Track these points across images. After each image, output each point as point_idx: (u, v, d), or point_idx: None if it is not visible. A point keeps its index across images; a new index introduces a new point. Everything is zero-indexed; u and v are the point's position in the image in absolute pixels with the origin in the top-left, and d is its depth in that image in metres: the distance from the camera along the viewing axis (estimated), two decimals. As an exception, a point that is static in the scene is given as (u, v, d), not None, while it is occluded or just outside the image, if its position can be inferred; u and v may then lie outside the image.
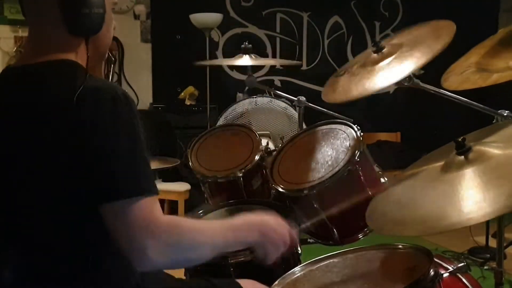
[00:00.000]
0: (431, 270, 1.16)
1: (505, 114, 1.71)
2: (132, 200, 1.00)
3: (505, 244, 2.15)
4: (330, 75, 1.92)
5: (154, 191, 1.04)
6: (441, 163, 1.21)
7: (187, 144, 2.18)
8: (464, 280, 1.36)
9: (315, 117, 2.17)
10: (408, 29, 1.79)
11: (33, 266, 1.10)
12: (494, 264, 1.65)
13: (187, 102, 4.64)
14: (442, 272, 1.27)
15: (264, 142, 2.11)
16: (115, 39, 1.24)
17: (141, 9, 4.74)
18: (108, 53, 1.24)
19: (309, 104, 2.48)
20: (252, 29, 5.05)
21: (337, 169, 1.65)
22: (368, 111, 4.93)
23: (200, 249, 1.09)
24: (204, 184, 2.07)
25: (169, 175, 3.89)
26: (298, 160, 1.81)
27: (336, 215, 1.70)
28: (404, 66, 1.60)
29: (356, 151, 1.67)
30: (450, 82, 1.47)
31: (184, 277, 1.68)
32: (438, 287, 1.19)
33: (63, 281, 1.10)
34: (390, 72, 1.63)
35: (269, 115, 3.31)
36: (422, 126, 5.28)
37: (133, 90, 4.56)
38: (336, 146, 1.76)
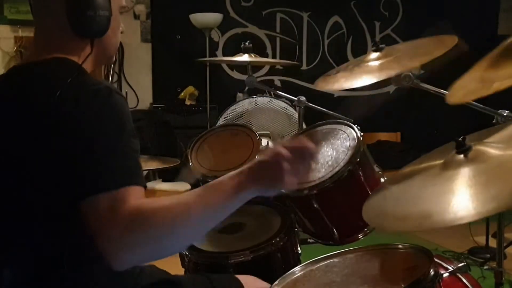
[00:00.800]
0: (431, 270, 1.16)
1: (505, 114, 1.71)
2: (98, 196, 0.94)
3: (505, 244, 2.15)
4: (330, 75, 1.93)
5: (120, 183, 0.96)
6: (440, 162, 1.21)
7: (187, 144, 2.18)
8: (464, 280, 1.36)
9: (315, 117, 2.17)
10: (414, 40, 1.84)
11: (31, 265, 1.10)
12: (494, 264, 1.65)
13: (187, 102, 4.64)
14: (442, 272, 1.27)
15: (264, 142, 2.11)
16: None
17: (141, 9, 4.74)
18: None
19: (309, 104, 2.48)
20: (252, 29, 5.05)
21: (337, 169, 1.65)
22: (368, 111, 4.93)
23: (177, 229, 0.95)
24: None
25: (169, 175, 3.89)
26: (298, 160, 1.81)
27: (336, 215, 1.70)
28: (396, 66, 1.64)
29: (356, 151, 1.67)
30: (455, 99, 1.50)
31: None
32: (438, 287, 1.19)
33: (58, 280, 1.10)
34: (379, 70, 1.69)
35: (269, 115, 3.31)
36: (422, 126, 5.29)
37: (133, 90, 4.57)
38: (336, 146, 1.76)
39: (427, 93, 1.75)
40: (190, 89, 4.66)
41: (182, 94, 4.68)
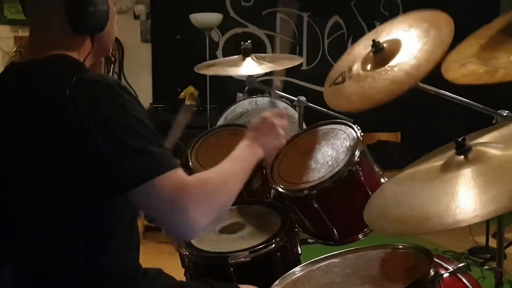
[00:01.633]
0: (431, 270, 1.17)
1: (505, 114, 1.71)
2: (159, 177, 1.02)
3: (505, 244, 2.15)
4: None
5: (174, 164, 1.06)
6: (441, 163, 1.21)
7: (187, 144, 2.18)
8: (464, 280, 1.36)
9: (315, 117, 2.17)
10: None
11: (32, 265, 1.10)
12: (494, 264, 1.65)
13: (187, 102, 4.64)
14: (442, 272, 1.27)
15: (264, 142, 2.11)
16: (115, 39, 1.24)
17: (141, 9, 4.74)
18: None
19: (309, 104, 2.48)
20: (252, 29, 5.05)
21: (337, 169, 1.65)
22: (368, 111, 4.93)
23: (230, 188, 1.15)
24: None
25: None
26: (298, 160, 1.81)
27: (336, 215, 1.70)
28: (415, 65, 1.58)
29: (356, 151, 1.66)
30: (453, 73, 1.46)
31: (184, 278, 1.68)
32: (438, 287, 1.19)
33: (61, 281, 1.10)
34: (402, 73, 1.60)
35: (269, 115, 3.30)
36: (422, 126, 5.28)
37: (133, 90, 4.56)
38: (336, 146, 1.76)
39: (427, 93, 1.75)
40: (190, 89, 4.64)
41: (182, 94, 4.67)
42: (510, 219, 1.79)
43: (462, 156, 1.15)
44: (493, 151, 1.14)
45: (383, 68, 1.68)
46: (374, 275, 1.31)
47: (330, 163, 1.70)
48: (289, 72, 2.26)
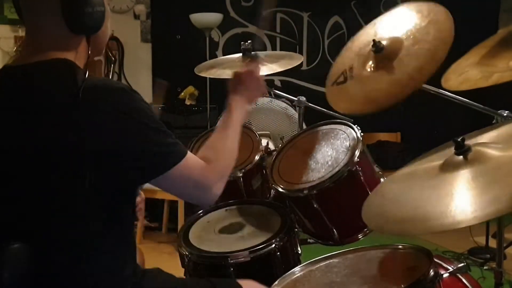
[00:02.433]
0: (431, 270, 1.16)
1: (505, 114, 1.71)
2: (181, 162, 1.15)
3: (505, 244, 2.15)
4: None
5: (186, 150, 1.19)
6: (439, 163, 1.21)
7: (187, 144, 2.18)
8: (464, 280, 1.35)
9: (315, 117, 2.16)
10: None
11: (32, 264, 1.10)
12: (494, 264, 1.65)
13: (187, 102, 4.63)
14: (442, 272, 1.27)
15: (264, 142, 2.11)
16: (115, 39, 1.25)
17: (141, 9, 4.74)
18: (108, 53, 1.26)
19: (309, 104, 2.48)
20: (252, 29, 5.05)
21: (337, 169, 1.65)
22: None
23: (235, 154, 1.33)
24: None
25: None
26: (298, 160, 1.81)
27: (336, 215, 1.70)
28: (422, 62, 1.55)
29: (356, 151, 1.67)
30: (451, 83, 1.46)
31: (184, 277, 1.68)
32: (438, 287, 1.19)
33: (60, 280, 1.10)
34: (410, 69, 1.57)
35: (269, 115, 3.31)
36: (422, 126, 5.28)
37: (133, 90, 4.55)
38: (336, 146, 1.76)
39: (427, 93, 1.74)
40: (190, 89, 4.65)
41: (182, 94, 4.68)
42: (510, 219, 1.79)
43: (461, 157, 1.14)
44: (492, 152, 1.14)
45: (385, 70, 1.67)
46: (374, 275, 1.31)
47: (330, 163, 1.70)
48: (289, 72, 2.26)
